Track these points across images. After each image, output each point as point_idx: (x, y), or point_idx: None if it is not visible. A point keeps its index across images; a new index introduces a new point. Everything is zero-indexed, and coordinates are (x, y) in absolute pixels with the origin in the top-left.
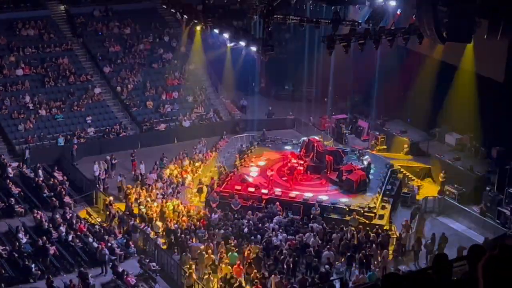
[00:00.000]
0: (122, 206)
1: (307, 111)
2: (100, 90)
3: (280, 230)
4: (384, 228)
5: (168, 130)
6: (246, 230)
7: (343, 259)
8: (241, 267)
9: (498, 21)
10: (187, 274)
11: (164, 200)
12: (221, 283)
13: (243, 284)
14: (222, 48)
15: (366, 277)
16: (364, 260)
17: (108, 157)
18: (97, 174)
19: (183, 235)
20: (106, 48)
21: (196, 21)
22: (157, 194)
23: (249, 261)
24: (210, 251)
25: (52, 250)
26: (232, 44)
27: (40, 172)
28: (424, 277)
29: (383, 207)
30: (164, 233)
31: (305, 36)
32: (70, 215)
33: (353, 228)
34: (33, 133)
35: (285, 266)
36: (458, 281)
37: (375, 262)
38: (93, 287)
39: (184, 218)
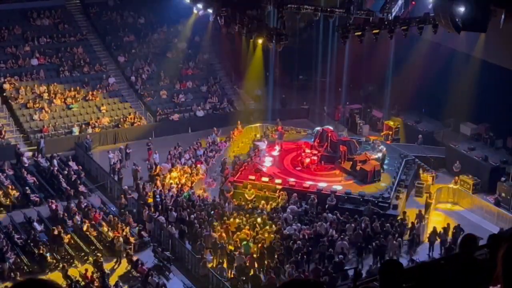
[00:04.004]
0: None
1: (321, 101)
2: (115, 80)
3: (294, 220)
4: (398, 218)
5: (182, 119)
6: (260, 220)
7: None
8: (255, 256)
9: None
10: (201, 263)
11: (179, 189)
12: (235, 272)
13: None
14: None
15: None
16: (380, 250)
17: (122, 147)
18: (112, 163)
19: (197, 225)
20: (121, 38)
21: (210, 11)
22: (171, 183)
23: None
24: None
25: (67, 239)
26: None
27: (55, 161)
28: (433, 267)
29: (397, 197)
30: (178, 223)
31: (319, 26)
32: (85, 204)
33: (367, 218)
34: (48, 122)
35: (299, 256)
36: (476, 268)
37: (390, 253)
38: (107, 276)
39: (198, 207)
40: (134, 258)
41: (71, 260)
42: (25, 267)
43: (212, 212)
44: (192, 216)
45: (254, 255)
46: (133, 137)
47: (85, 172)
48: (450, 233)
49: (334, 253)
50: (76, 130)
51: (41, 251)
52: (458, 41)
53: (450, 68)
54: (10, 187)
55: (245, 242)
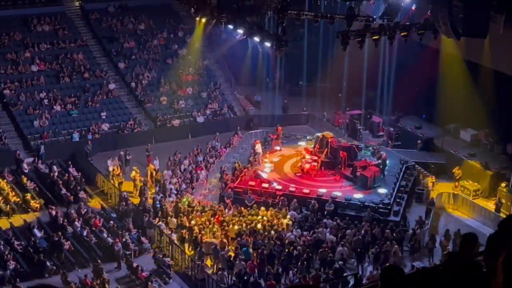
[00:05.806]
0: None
1: (321, 107)
2: (115, 86)
3: (295, 226)
4: (399, 224)
5: (182, 125)
6: (259, 226)
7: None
8: (255, 262)
9: None
10: (199, 268)
11: (179, 196)
12: (234, 279)
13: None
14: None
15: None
16: (380, 256)
17: (122, 153)
18: (111, 169)
19: (197, 231)
20: (121, 44)
21: (209, 17)
22: (171, 189)
23: (263, 257)
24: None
25: (67, 245)
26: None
27: (55, 167)
28: (433, 273)
29: (398, 203)
30: (178, 229)
31: (320, 32)
32: (85, 210)
33: (367, 224)
34: (48, 128)
35: (299, 262)
36: (476, 269)
37: (391, 259)
38: (108, 282)
39: (199, 213)
40: (134, 264)
41: (71, 266)
42: (25, 273)
43: (212, 218)
44: (192, 222)
45: (254, 262)
46: (133, 143)
47: (85, 178)
48: (450, 239)
49: (334, 259)
50: (76, 136)
51: (41, 257)
52: (459, 47)
53: (450, 74)
54: (10, 193)
55: (245, 248)
